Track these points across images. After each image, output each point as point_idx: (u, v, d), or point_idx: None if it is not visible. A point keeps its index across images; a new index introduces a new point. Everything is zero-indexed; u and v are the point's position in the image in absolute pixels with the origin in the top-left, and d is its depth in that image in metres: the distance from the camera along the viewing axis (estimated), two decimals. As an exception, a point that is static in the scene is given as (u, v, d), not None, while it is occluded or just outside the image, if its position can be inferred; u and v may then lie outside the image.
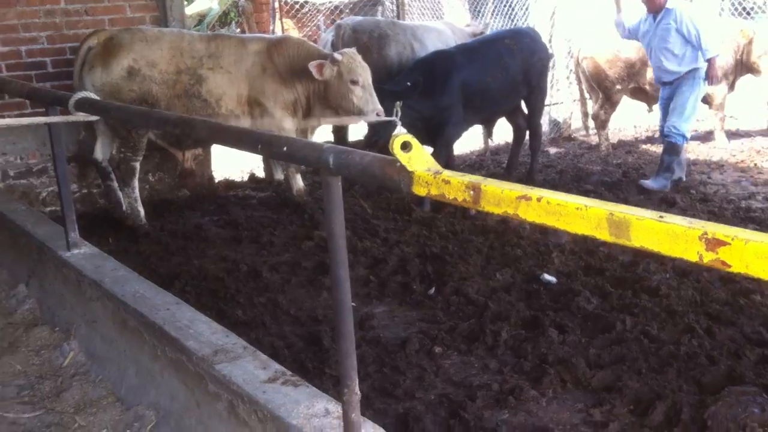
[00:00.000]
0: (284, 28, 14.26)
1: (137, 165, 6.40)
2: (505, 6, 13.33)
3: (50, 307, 4.20)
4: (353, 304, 4.88)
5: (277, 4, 13.54)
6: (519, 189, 1.76)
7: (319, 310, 4.73)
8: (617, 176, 8.16)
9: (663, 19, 7.24)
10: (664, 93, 7.61)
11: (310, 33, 15.38)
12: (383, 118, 6.30)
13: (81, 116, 3.66)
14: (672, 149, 7.45)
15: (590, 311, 4.45)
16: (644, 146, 9.79)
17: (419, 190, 1.96)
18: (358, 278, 5.20)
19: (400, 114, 6.48)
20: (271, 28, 12.28)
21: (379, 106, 6.26)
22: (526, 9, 13.41)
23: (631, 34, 7.65)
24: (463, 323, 4.39)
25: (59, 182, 4.07)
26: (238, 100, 6.34)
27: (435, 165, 1.97)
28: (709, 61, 7.16)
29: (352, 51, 6.42)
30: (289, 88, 6.40)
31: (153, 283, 5.14)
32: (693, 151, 9.27)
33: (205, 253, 5.85)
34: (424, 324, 4.48)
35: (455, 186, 1.87)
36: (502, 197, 1.77)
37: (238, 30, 13.97)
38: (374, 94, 6.29)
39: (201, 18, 13.93)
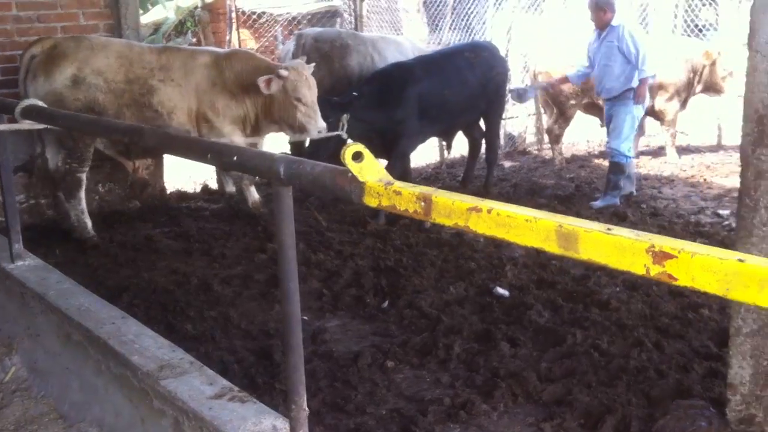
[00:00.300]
0: (241, 38, 14.20)
1: (83, 176, 6.23)
2: (462, 21, 13.44)
3: (-8, 322, 4.09)
4: (305, 317, 4.87)
5: (234, 15, 13.48)
6: (469, 201, 1.75)
7: (271, 323, 4.67)
8: (570, 190, 8.25)
9: (607, 36, 7.36)
10: (606, 108, 7.73)
11: (267, 44, 15.31)
12: (328, 134, 6.28)
13: (27, 124, 3.57)
14: (616, 168, 7.56)
15: (542, 325, 4.47)
16: (597, 161, 9.90)
17: (370, 201, 1.95)
18: (312, 291, 5.16)
19: (346, 127, 6.45)
20: (227, 38, 12.20)
21: (323, 124, 6.21)
22: (483, 24, 13.55)
23: (590, 68, 7.74)
24: (416, 337, 4.37)
25: (3, 192, 3.97)
26: (189, 113, 6.20)
27: (386, 176, 1.97)
28: (642, 80, 7.29)
29: (300, 64, 6.30)
30: (238, 102, 6.29)
31: (100, 296, 5.06)
32: (644, 165, 9.42)
33: (155, 265, 5.74)
34: (377, 338, 4.46)
35: (406, 197, 1.86)
36: (452, 209, 1.76)
37: (194, 40, 13.84)
38: (318, 111, 6.22)
39: (156, 27, 13.79)
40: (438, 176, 9.09)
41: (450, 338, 4.30)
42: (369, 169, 1.95)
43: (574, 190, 8.25)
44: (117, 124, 3.08)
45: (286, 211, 2.27)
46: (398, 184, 1.91)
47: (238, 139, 6.26)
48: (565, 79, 8.23)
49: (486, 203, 1.72)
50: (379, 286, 5.19)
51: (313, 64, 6.46)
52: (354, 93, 6.73)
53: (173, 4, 13.70)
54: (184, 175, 8.31)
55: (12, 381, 3.56)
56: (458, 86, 7.32)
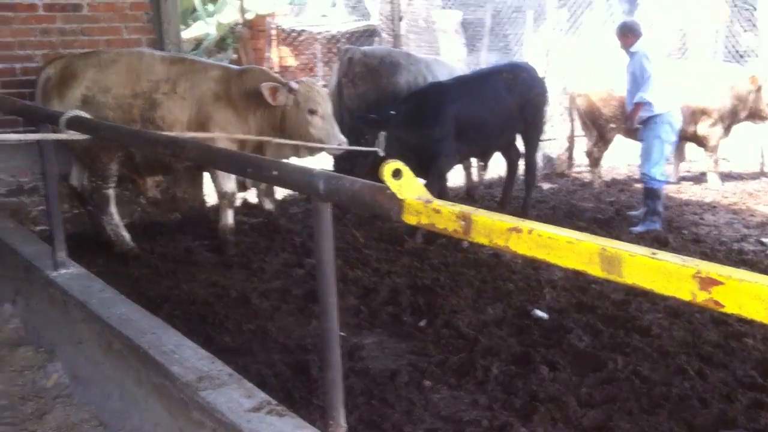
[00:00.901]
0: (281, 55, 14.35)
1: (110, 192, 6.24)
2: (500, 42, 13.45)
3: (35, 327, 4.14)
4: (343, 333, 4.87)
5: (273, 32, 13.63)
6: (510, 221, 1.73)
7: (309, 338, 4.68)
8: (610, 213, 8.18)
9: (630, 61, 7.37)
10: (639, 134, 7.69)
11: (307, 61, 15.45)
12: (365, 148, 6.28)
13: (72, 134, 3.63)
14: (651, 194, 7.49)
15: (581, 349, 4.41)
16: (637, 185, 9.79)
17: (409, 219, 1.94)
18: (349, 308, 5.16)
19: (383, 144, 6.46)
20: (266, 55, 12.34)
21: (342, 137, 6.01)
22: (521, 45, 13.53)
23: None
24: (454, 357, 4.34)
25: (48, 201, 4.03)
26: (188, 126, 6.04)
27: (426, 194, 1.96)
28: (635, 104, 7.21)
29: (310, 80, 6.25)
30: (240, 119, 6.08)
31: (141, 306, 5.13)
32: (686, 191, 9.31)
33: (195, 277, 5.80)
34: (414, 356, 4.43)
35: (446, 216, 1.84)
36: (493, 229, 1.74)
37: (235, 56, 14.01)
38: (335, 125, 6.02)
39: (198, 43, 13.98)
40: (474, 197, 9.05)
41: (488, 359, 4.26)
42: (408, 187, 1.94)
43: (613, 213, 8.17)
44: (158, 137, 3.11)
45: (325, 227, 2.27)
46: (438, 203, 1.90)
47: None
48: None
49: (527, 224, 1.70)
50: (416, 304, 5.17)
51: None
52: (392, 111, 6.74)
53: (214, 20, 13.90)
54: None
55: (54, 387, 3.60)
56: (496, 106, 7.32)
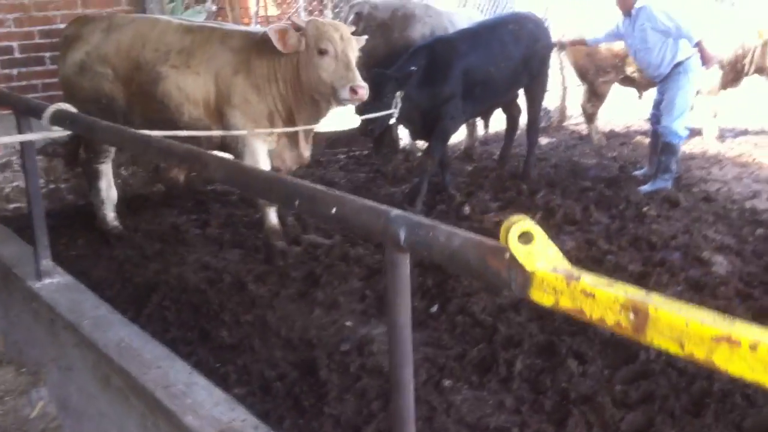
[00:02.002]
0: (261, 4, 13.67)
1: (100, 167, 5.84)
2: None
3: (16, 342, 3.73)
4: (349, 323, 4.53)
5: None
6: (713, 323, 1.19)
7: (312, 330, 4.33)
8: (614, 171, 7.83)
9: (637, 19, 6.94)
10: (658, 88, 7.32)
11: (296, 15, 14.78)
12: (379, 113, 5.84)
13: (57, 132, 3.19)
14: (668, 149, 7.11)
15: (608, 336, 4.08)
16: (638, 137, 9.43)
17: (541, 297, 1.43)
18: (353, 291, 4.82)
19: (399, 105, 6.02)
20: (253, 10, 11.77)
21: (360, 81, 4.91)
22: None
23: (614, 37, 7.43)
24: (472, 349, 4.01)
25: (30, 201, 3.60)
26: (206, 106, 5.23)
27: (564, 263, 1.43)
28: (698, 45, 6.78)
29: (321, 18, 5.47)
30: (261, 96, 5.20)
31: (128, 296, 4.75)
32: (688, 143, 8.93)
33: (184, 259, 5.40)
34: (429, 349, 4.09)
35: (603, 302, 1.32)
36: (685, 332, 1.21)
37: (214, 8, 13.32)
38: (352, 66, 4.95)
39: (175, -7, 13.29)
40: (472, 155, 8.64)
41: (510, 352, 3.93)
42: (540, 255, 1.42)
43: (618, 170, 7.82)
44: (174, 148, 2.47)
45: (402, 283, 1.81)
46: (587, 280, 1.36)
47: (260, 146, 5.22)
48: (581, 41, 7.92)
49: (743, 330, 1.16)
50: (425, 286, 4.83)
51: (353, 28, 5.47)
52: (413, 68, 6.22)
53: (193, -31, 13.20)
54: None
55: (39, 417, 3.21)
56: (503, 61, 6.85)
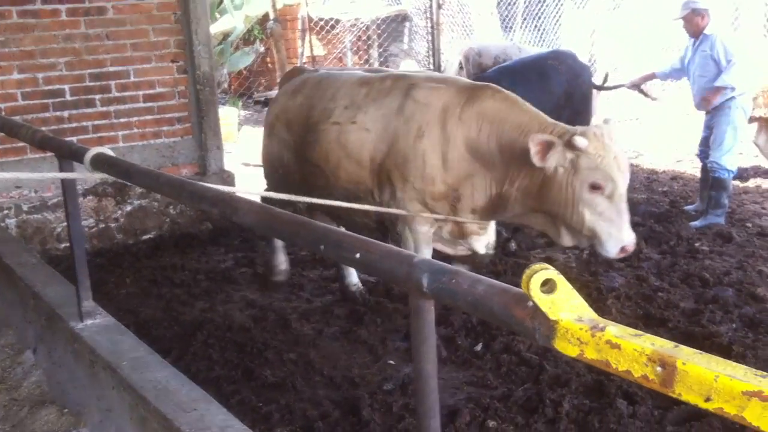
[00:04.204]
0: (312, 47, 13.90)
1: None
2: (533, 21, 12.91)
3: (60, 383, 3.76)
4: (392, 362, 4.48)
5: (306, 24, 13.17)
6: (744, 377, 1.16)
7: (355, 369, 4.29)
8: (665, 206, 7.67)
9: (701, 45, 6.89)
10: (705, 120, 7.20)
11: (341, 55, 15.02)
12: None
13: (98, 176, 3.24)
14: (719, 185, 6.97)
15: (659, 375, 3.97)
16: (690, 172, 9.26)
17: (565, 348, 1.39)
18: (397, 330, 4.77)
19: None
20: (300, 50, 11.95)
21: (632, 237, 3.94)
22: (557, 23, 12.95)
23: (680, 71, 7.35)
24: (518, 389, 3.93)
25: (72, 242, 3.65)
26: (371, 167, 4.37)
27: (589, 313, 1.40)
28: (716, 88, 6.73)
29: (607, 129, 3.94)
30: (455, 170, 4.18)
31: (174, 334, 4.77)
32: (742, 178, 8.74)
33: (230, 297, 5.44)
34: (473, 389, 4.03)
35: (629, 354, 1.28)
36: (715, 388, 1.17)
37: (262, 50, 13.59)
38: (627, 216, 3.93)
39: (225, 36, 13.60)
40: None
41: (557, 392, 3.84)
42: (564, 303, 1.39)
43: (668, 206, 7.66)
44: (204, 191, 2.48)
45: (427, 329, 1.76)
46: (612, 330, 1.32)
47: (424, 228, 4.40)
48: (651, 76, 7.79)
49: None
50: (469, 323, 4.76)
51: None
52: None
53: (242, 14, 13.49)
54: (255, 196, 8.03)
55: (81, 457, 3.24)
56: (543, 95, 6.83)
